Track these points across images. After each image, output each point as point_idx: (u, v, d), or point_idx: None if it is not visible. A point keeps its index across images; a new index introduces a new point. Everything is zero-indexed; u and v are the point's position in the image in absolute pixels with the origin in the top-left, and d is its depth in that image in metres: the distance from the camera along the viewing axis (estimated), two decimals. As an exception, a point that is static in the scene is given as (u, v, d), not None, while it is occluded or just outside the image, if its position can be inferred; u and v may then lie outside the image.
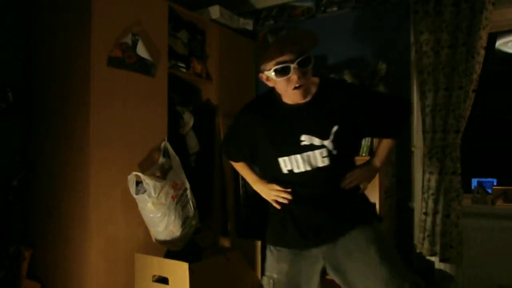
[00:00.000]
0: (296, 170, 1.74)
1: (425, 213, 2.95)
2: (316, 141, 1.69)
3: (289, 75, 1.60)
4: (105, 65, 2.47)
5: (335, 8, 3.56)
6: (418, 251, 3.02)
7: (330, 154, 1.70)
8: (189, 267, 2.34)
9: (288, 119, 1.75)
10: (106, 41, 2.48)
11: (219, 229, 3.35)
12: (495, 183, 3.25)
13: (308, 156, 1.71)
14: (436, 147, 2.89)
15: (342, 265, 1.72)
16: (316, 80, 1.77)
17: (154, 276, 2.49)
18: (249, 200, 3.66)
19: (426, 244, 2.93)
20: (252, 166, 2.06)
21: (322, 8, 3.63)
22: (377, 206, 2.82)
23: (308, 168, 1.72)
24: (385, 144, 1.90)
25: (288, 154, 1.73)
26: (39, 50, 2.69)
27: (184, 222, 2.62)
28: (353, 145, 1.88)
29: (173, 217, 2.54)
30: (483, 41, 2.76)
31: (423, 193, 2.98)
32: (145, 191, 2.47)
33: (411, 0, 3.03)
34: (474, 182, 3.34)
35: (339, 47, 3.49)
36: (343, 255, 1.72)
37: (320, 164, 1.71)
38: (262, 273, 1.87)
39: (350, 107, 1.71)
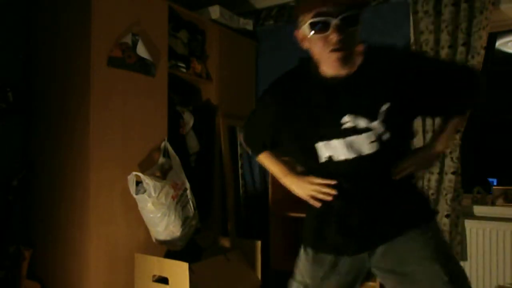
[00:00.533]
0: (336, 158, 1.42)
1: (425, 213, 2.95)
2: (363, 123, 1.37)
3: (328, 32, 1.27)
4: (105, 65, 2.47)
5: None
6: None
7: (379, 139, 1.37)
8: (189, 267, 2.33)
9: (326, 95, 1.42)
10: (106, 41, 2.48)
11: (219, 229, 3.35)
12: (495, 183, 3.25)
13: (352, 142, 1.39)
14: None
15: (397, 275, 1.46)
16: (360, 48, 1.41)
17: (154, 276, 2.50)
18: (249, 200, 3.67)
19: (426, 244, 2.92)
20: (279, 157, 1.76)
21: (322, 8, 3.62)
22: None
23: (353, 156, 1.40)
24: (452, 123, 1.53)
25: (326, 138, 1.41)
26: (39, 50, 2.69)
27: (184, 222, 2.62)
28: (408, 127, 1.50)
29: (173, 217, 2.54)
30: (483, 41, 2.75)
31: (423, 193, 2.98)
32: (145, 191, 2.47)
33: (410, 0, 3.03)
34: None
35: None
36: (397, 264, 1.45)
37: (367, 151, 1.39)
38: (292, 277, 1.62)
39: (405, 80, 1.37)
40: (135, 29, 2.63)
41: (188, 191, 2.69)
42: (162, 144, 2.78)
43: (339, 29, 1.26)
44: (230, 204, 3.39)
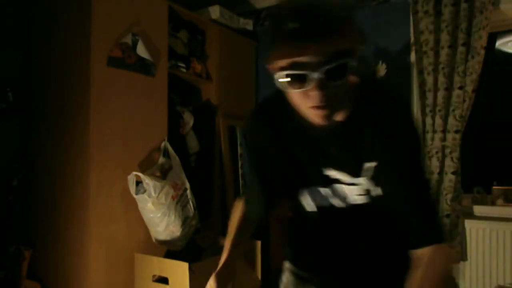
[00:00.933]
0: (323, 203, 1.27)
1: (425, 213, 2.95)
2: (346, 179, 1.20)
3: (306, 87, 0.98)
4: (105, 65, 2.47)
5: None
6: (418, 251, 3.02)
7: (368, 193, 1.20)
8: (189, 267, 2.33)
9: (308, 146, 1.21)
10: (106, 41, 2.48)
11: (219, 229, 3.35)
12: (495, 183, 3.25)
13: (337, 189, 1.23)
14: (436, 147, 2.89)
15: None
16: (354, 80, 1.10)
17: (154, 276, 2.49)
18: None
19: (426, 244, 2.92)
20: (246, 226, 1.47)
21: (322, 8, 3.62)
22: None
23: (341, 204, 1.24)
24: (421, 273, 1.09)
25: (308, 185, 1.26)
26: (39, 50, 2.69)
27: (184, 222, 2.62)
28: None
29: (173, 217, 2.54)
30: (483, 41, 2.75)
31: (423, 193, 2.98)
32: (145, 191, 2.47)
33: (411, 0, 3.03)
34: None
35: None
36: None
37: (355, 202, 1.22)
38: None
39: (381, 148, 1.14)
40: (135, 29, 2.63)
41: (188, 191, 2.69)
42: (162, 144, 2.78)
43: (321, 85, 0.97)
44: (230, 204, 3.39)
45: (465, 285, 2.92)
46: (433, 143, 2.91)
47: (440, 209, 2.88)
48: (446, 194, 2.86)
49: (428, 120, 2.93)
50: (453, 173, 2.83)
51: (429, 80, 2.92)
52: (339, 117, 1.14)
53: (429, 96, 2.92)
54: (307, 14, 0.95)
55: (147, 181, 2.44)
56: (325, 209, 1.27)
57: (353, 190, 1.21)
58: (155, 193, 2.45)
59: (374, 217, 1.24)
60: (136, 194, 2.49)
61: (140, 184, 2.50)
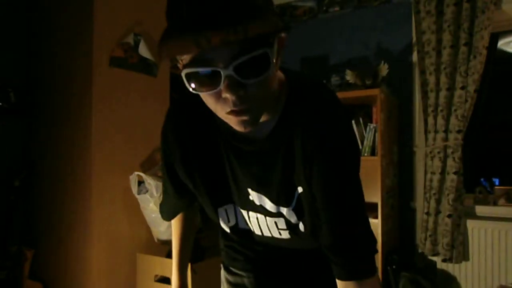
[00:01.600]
0: (242, 226, 1.12)
1: (427, 213, 2.95)
2: (269, 205, 1.02)
3: (218, 88, 0.77)
4: (107, 65, 2.47)
5: (337, 8, 3.55)
6: (420, 251, 3.02)
7: (290, 227, 1.03)
8: (191, 267, 2.33)
9: (229, 158, 1.01)
10: (108, 41, 2.48)
11: (221, 229, 3.35)
12: (497, 183, 3.25)
13: (257, 219, 1.07)
14: (438, 147, 2.89)
15: None
16: (280, 77, 0.94)
17: (156, 276, 2.50)
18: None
19: (428, 244, 2.92)
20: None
21: (324, 8, 3.63)
22: (379, 206, 2.82)
23: (259, 233, 1.10)
24: None
25: (227, 203, 1.09)
26: (41, 50, 2.70)
27: (186, 222, 2.62)
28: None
29: (175, 217, 2.54)
30: (485, 41, 2.75)
31: (425, 193, 2.98)
32: (147, 191, 2.47)
33: (413, 0, 3.03)
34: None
35: (341, 47, 3.50)
36: None
37: (277, 236, 1.07)
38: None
39: (311, 168, 0.93)
40: (137, 29, 2.63)
41: (190, 191, 2.69)
42: (164, 144, 2.77)
43: (235, 84, 0.76)
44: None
45: (467, 285, 2.92)
46: (435, 143, 2.91)
47: (442, 209, 2.89)
48: (448, 194, 2.85)
49: (430, 120, 2.93)
50: (455, 173, 2.83)
51: (431, 80, 2.92)
52: (265, 126, 0.94)
53: (431, 96, 2.92)
54: None
55: (149, 181, 2.44)
56: (241, 232, 1.13)
57: (275, 223, 1.04)
58: (157, 193, 2.45)
59: (297, 250, 1.12)
60: (138, 194, 2.49)
61: (142, 184, 2.50)
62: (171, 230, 2.41)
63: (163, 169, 1.17)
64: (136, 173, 2.49)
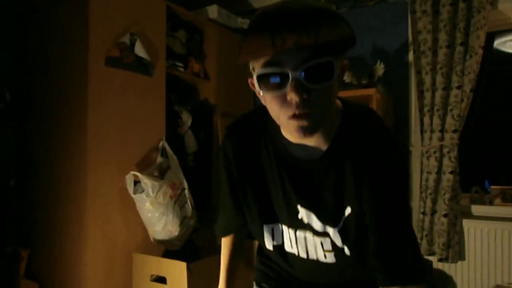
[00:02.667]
0: (287, 248, 1.13)
1: (423, 213, 2.95)
2: (315, 224, 1.05)
3: (284, 90, 0.84)
4: (102, 64, 2.46)
5: (333, 8, 3.55)
6: (416, 250, 3.02)
7: (336, 249, 1.05)
8: (187, 267, 2.33)
9: (282, 175, 1.05)
10: (104, 41, 2.47)
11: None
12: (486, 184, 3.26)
13: (305, 239, 1.08)
14: (434, 146, 2.89)
15: None
16: (337, 104, 1.02)
17: (152, 275, 2.49)
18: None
19: (424, 244, 2.93)
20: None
21: (320, 8, 3.62)
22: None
23: (304, 256, 1.11)
24: None
25: (275, 221, 1.11)
26: (36, 50, 2.69)
27: (182, 222, 2.62)
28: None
29: (171, 216, 2.54)
30: (481, 40, 2.75)
31: (421, 192, 2.98)
32: (143, 190, 2.46)
33: (408, 0, 3.03)
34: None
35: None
36: None
37: (322, 259, 1.08)
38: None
39: (362, 188, 0.99)
40: (133, 28, 2.62)
41: (186, 191, 2.69)
42: (160, 144, 2.77)
43: (301, 86, 0.83)
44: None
45: (463, 285, 2.92)
46: (431, 142, 2.91)
47: (438, 209, 2.89)
48: (444, 194, 2.86)
49: (426, 120, 2.93)
50: (451, 172, 2.84)
51: (427, 79, 2.93)
52: (320, 147, 1.00)
53: (427, 95, 2.93)
54: (288, 5, 0.83)
55: (145, 181, 2.44)
56: (285, 254, 1.14)
57: (321, 243, 1.05)
58: (153, 192, 2.45)
59: (343, 273, 1.12)
60: (134, 193, 2.49)
61: (138, 184, 2.50)
62: (167, 230, 2.41)
63: (224, 184, 1.20)
64: (132, 172, 2.49)
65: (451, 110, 2.84)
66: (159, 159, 2.74)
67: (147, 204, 2.47)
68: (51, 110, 2.57)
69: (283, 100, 0.86)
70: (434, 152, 2.90)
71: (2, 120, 2.62)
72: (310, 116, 0.87)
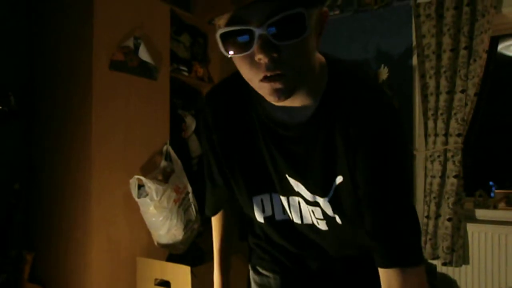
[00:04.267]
0: (280, 217, 1.06)
1: (427, 217, 2.95)
2: (305, 193, 0.98)
3: (251, 50, 0.75)
4: (107, 68, 2.47)
5: (337, 12, 3.55)
6: (420, 254, 3.02)
7: (327, 218, 0.99)
8: (191, 271, 2.33)
9: (267, 142, 0.97)
10: (108, 45, 2.48)
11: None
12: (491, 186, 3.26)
13: (299, 204, 1.01)
14: (438, 150, 2.89)
15: None
16: (322, 61, 0.92)
17: (156, 279, 2.49)
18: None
19: (428, 248, 2.92)
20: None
21: (324, 12, 3.62)
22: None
23: (298, 221, 1.04)
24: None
25: (263, 192, 1.04)
26: (41, 54, 2.69)
27: (186, 226, 2.62)
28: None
29: (175, 220, 2.54)
30: (485, 44, 2.76)
31: (425, 196, 2.98)
32: (147, 194, 2.47)
33: (413, 4, 3.03)
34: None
35: (341, 51, 3.49)
36: None
37: (316, 225, 1.03)
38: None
39: (354, 156, 0.89)
40: (137, 32, 2.63)
41: (190, 195, 2.69)
42: (164, 148, 2.78)
43: (268, 45, 0.74)
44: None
45: (467, 289, 2.92)
46: (435, 146, 2.91)
47: (442, 213, 2.88)
48: (448, 198, 2.85)
49: (430, 124, 2.93)
50: (455, 176, 2.83)
51: (431, 83, 2.93)
52: (305, 110, 0.90)
53: (431, 99, 2.93)
54: None
55: (149, 185, 2.44)
56: (277, 223, 1.07)
57: (312, 211, 0.99)
58: (157, 196, 2.45)
59: (336, 240, 1.05)
60: (138, 197, 2.49)
61: (142, 188, 2.50)
62: (171, 234, 2.41)
63: (206, 154, 1.12)
64: (136, 176, 2.49)
65: (455, 114, 2.83)
66: (163, 163, 2.74)
67: (151, 208, 2.48)
68: (56, 114, 2.57)
69: (252, 61, 0.77)
70: (438, 156, 2.89)
71: (6, 124, 2.63)
72: (284, 77, 0.77)
